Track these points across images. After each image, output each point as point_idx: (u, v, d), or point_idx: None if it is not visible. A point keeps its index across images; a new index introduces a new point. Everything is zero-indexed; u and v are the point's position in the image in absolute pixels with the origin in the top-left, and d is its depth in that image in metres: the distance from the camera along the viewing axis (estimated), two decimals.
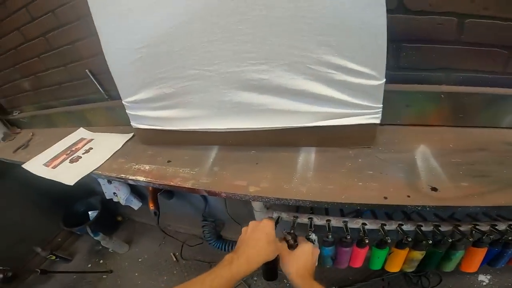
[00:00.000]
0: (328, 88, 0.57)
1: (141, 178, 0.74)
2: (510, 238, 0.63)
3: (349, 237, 0.70)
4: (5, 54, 1.25)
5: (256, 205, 0.78)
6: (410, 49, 0.65)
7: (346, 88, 0.57)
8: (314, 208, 0.79)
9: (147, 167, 0.78)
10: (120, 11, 0.63)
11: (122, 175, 0.77)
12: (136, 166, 0.79)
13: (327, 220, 0.71)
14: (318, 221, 0.72)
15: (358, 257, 0.75)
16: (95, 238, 1.61)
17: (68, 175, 0.86)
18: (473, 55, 0.64)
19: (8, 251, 1.57)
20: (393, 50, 0.64)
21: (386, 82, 0.57)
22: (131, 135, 0.97)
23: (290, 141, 0.68)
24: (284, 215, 0.74)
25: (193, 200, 1.46)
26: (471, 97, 0.65)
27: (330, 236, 0.70)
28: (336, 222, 0.71)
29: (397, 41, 0.64)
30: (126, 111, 0.82)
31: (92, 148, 0.99)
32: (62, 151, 1.04)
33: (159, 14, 0.59)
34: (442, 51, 0.64)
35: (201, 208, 1.42)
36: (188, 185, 0.67)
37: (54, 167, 0.95)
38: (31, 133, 1.37)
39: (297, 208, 0.80)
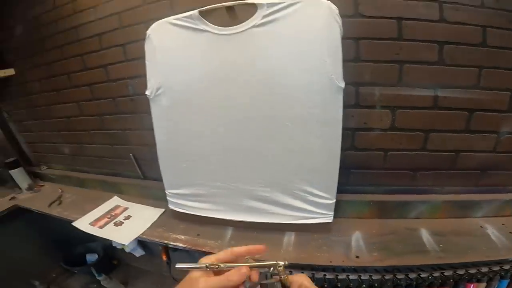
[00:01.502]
0: (304, 204, 0.99)
1: (180, 244, 1.07)
2: (417, 283, 0.97)
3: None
4: (57, 119, 1.53)
5: None
6: (354, 173, 1.07)
7: (314, 204, 0.99)
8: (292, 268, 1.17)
9: (182, 237, 1.11)
10: (175, 132, 1.02)
11: (164, 241, 1.10)
12: (174, 236, 1.12)
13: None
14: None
15: None
16: (98, 278, 1.80)
17: (120, 235, 1.15)
18: (391, 175, 1.07)
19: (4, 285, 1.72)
20: (345, 174, 1.02)
21: (338, 193, 0.98)
22: (162, 210, 1.26)
23: (279, 228, 1.07)
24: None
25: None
26: (388, 201, 1.07)
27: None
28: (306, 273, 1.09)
29: (347, 168, 1.03)
30: (167, 197, 1.17)
31: (131, 216, 1.28)
32: (103, 214, 1.31)
33: (203, 142, 0.99)
34: (373, 173, 1.07)
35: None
36: (215, 251, 1.02)
37: (100, 227, 1.22)
38: (60, 190, 1.63)
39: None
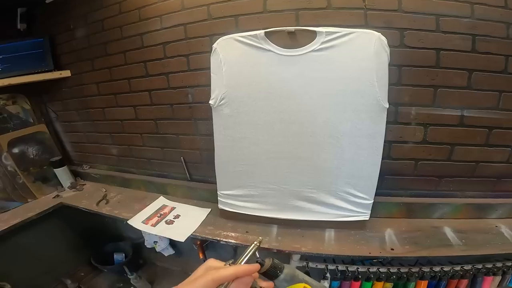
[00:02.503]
0: (346, 203, 1.15)
1: (232, 241, 1.19)
2: (440, 275, 1.11)
3: (349, 275, 1.22)
4: (109, 121, 1.63)
5: (295, 257, 1.28)
6: (388, 178, 1.21)
7: (354, 204, 1.15)
8: (328, 260, 1.32)
9: (232, 234, 1.23)
10: (234, 139, 1.16)
11: (216, 238, 1.22)
12: (224, 233, 1.24)
13: (325, 265, 1.20)
14: (332, 267, 1.24)
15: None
16: (130, 276, 1.84)
17: (175, 233, 1.25)
18: (419, 181, 1.21)
19: (36, 280, 1.76)
20: (380, 179, 1.11)
21: (375, 196, 1.14)
22: (209, 210, 1.36)
23: (320, 226, 1.22)
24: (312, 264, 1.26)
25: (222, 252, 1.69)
26: (416, 203, 1.21)
27: (328, 275, 1.19)
28: (341, 267, 1.23)
29: (382, 174, 1.11)
30: (219, 198, 1.29)
31: (180, 215, 1.36)
32: (153, 213, 1.39)
33: (260, 149, 1.14)
34: (404, 179, 1.22)
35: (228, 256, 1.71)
36: (265, 246, 1.15)
37: (152, 225, 1.29)
38: (103, 189, 1.73)
39: (324, 259, 1.28)
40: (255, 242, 0.49)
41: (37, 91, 1.82)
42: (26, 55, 1.57)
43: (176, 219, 1.35)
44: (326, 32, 0.95)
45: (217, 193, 1.29)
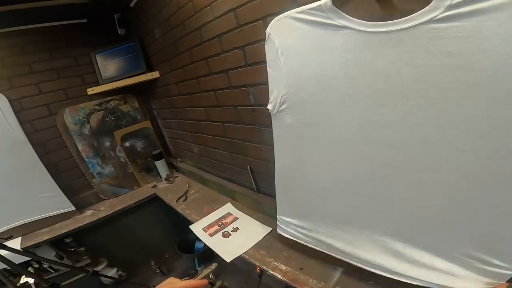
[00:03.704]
0: (462, 269, 0.64)
1: (279, 276, 0.93)
2: None
3: None
4: (189, 121, 1.63)
5: None
6: None
7: (481, 271, 0.62)
8: None
9: (283, 267, 0.96)
10: (298, 159, 0.84)
11: (263, 266, 0.98)
12: (275, 263, 0.98)
13: None
14: None
15: None
16: (197, 268, 1.94)
17: (225, 250, 1.13)
18: None
19: (128, 258, 2.04)
20: None
21: None
22: (269, 229, 1.17)
23: (402, 282, 0.73)
24: None
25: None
26: None
27: None
28: None
29: None
30: (277, 222, 1.04)
31: (238, 229, 1.25)
32: (215, 220, 1.34)
33: (334, 178, 0.78)
34: None
35: None
36: None
37: (210, 235, 1.25)
38: (187, 184, 1.81)
39: None
40: (211, 266, 0.64)
41: (140, 91, 2.04)
42: (125, 59, 1.75)
43: (234, 232, 1.25)
44: None
45: None
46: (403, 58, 0.56)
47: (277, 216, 1.04)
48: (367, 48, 0.60)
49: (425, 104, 0.56)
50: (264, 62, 0.86)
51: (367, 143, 0.67)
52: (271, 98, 0.85)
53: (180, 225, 2.02)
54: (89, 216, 1.73)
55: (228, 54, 1.09)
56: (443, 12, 0.49)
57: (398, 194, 0.67)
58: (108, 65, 1.78)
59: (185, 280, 0.53)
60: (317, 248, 0.93)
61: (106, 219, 1.72)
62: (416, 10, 0.52)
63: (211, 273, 0.62)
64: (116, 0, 1.64)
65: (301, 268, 0.95)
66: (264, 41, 0.80)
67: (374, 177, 0.69)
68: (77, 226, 1.63)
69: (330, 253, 0.89)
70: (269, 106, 0.86)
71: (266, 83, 0.93)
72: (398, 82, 0.58)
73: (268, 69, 0.82)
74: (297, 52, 0.73)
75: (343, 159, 0.74)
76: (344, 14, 0.61)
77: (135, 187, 2.00)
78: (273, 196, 1.22)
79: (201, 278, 0.58)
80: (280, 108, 0.83)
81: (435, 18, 0.50)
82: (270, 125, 0.99)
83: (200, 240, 1.27)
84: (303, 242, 0.97)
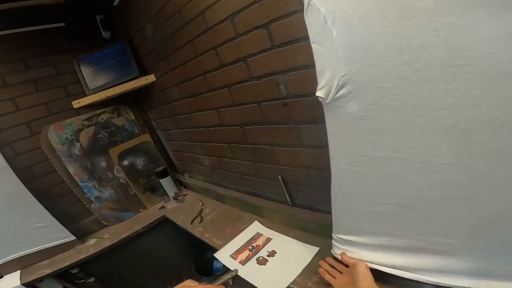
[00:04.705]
0: None
1: None
2: None
3: None
4: (196, 129, 1.41)
5: None
6: None
7: None
8: None
9: None
10: (371, 159, 0.62)
11: None
12: None
13: None
14: None
15: None
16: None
17: (266, 281, 0.90)
18: None
19: (143, 285, 1.82)
20: None
21: None
22: (317, 249, 0.94)
23: None
24: None
25: None
26: None
27: None
28: None
29: None
30: (333, 241, 0.81)
31: (276, 252, 1.02)
32: (244, 244, 1.10)
33: (420, 181, 0.56)
34: None
35: None
36: None
37: (241, 262, 1.01)
38: (200, 202, 1.57)
39: None
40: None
41: (135, 100, 1.80)
42: (113, 64, 1.50)
43: (271, 257, 1.01)
44: None
45: (329, 227, 0.82)
46: None
47: (333, 235, 0.80)
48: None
49: None
50: (299, 39, 0.72)
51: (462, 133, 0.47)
52: (321, 83, 0.62)
53: (195, 245, 1.81)
54: (92, 245, 1.53)
55: (246, 37, 0.87)
56: None
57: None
58: (94, 72, 1.54)
59: (203, 285, 0.55)
60: (395, 274, 0.69)
61: (112, 247, 1.51)
62: None
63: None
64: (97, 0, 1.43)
65: None
66: (297, 13, 0.68)
67: (477, 176, 0.49)
68: (80, 257, 1.43)
69: (414, 278, 0.65)
70: (320, 93, 0.63)
71: (305, 66, 0.76)
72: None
73: (313, 45, 0.61)
74: (359, 17, 0.52)
75: (447, 153, 0.51)
76: None
77: (141, 210, 1.76)
78: (316, 209, 1.02)
79: (220, 284, 0.60)
80: (338, 94, 0.60)
81: None
82: (314, 121, 0.81)
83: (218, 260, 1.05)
84: (372, 265, 0.72)
